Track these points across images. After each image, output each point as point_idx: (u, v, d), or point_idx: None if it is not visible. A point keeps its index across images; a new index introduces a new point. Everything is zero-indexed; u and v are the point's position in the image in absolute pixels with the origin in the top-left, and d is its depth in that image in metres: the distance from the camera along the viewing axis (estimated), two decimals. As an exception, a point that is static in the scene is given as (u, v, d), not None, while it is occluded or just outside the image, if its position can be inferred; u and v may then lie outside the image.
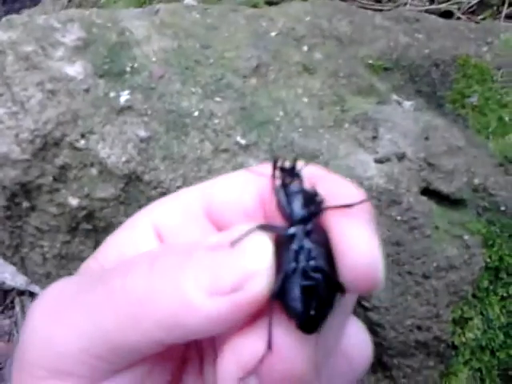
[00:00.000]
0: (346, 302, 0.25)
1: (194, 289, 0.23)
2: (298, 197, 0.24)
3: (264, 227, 0.24)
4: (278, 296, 0.23)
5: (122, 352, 0.24)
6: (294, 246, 0.23)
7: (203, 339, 0.29)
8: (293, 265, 0.23)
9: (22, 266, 0.64)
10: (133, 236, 0.30)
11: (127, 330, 0.24)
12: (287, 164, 0.26)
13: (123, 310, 0.24)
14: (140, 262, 0.25)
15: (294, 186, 0.25)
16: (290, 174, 0.25)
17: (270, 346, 0.23)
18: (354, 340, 0.28)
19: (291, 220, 0.24)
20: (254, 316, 0.24)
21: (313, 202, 0.24)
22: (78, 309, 0.25)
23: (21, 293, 1.16)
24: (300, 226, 0.24)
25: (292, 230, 0.24)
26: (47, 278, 0.58)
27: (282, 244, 0.24)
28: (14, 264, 0.65)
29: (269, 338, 0.23)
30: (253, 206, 0.28)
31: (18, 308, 1.17)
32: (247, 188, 0.28)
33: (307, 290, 0.23)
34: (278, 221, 0.25)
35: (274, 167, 0.26)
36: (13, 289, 1.16)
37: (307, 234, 0.24)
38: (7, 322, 1.17)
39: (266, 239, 0.24)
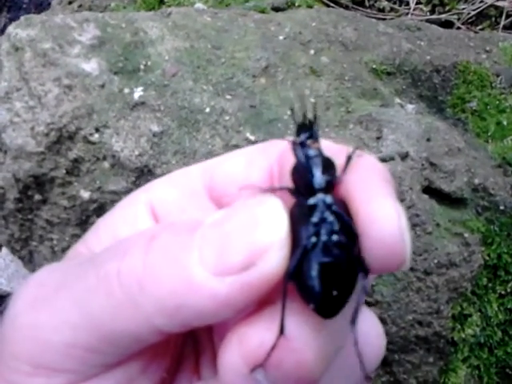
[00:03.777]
0: (362, 285, 0.22)
1: (199, 267, 0.21)
2: (318, 162, 0.22)
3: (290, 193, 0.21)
4: (293, 276, 0.20)
5: (116, 341, 0.22)
6: (315, 219, 0.21)
7: (201, 333, 0.28)
8: (313, 239, 0.20)
9: (30, 261, 0.65)
10: (126, 216, 0.28)
11: (124, 316, 0.22)
12: (307, 120, 0.22)
13: (120, 294, 0.22)
14: (136, 242, 0.23)
15: (314, 150, 0.22)
16: (310, 132, 0.22)
17: (282, 331, 0.21)
18: (365, 332, 0.25)
19: (311, 189, 0.22)
20: (262, 301, 0.22)
21: (331, 170, 0.22)
22: (66, 296, 0.23)
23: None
24: (321, 196, 0.21)
25: (313, 200, 0.21)
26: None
27: (297, 216, 0.21)
28: (22, 258, 0.66)
29: (281, 322, 0.21)
30: (260, 181, 0.25)
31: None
32: (254, 162, 0.26)
33: (328, 268, 0.20)
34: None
35: (298, 125, 0.23)
36: (8, 294, 1.16)
37: (329, 205, 0.21)
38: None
39: (279, 206, 0.21)
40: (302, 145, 0.22)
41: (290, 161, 0.23)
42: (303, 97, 0.51)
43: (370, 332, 0.25)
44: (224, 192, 0.26)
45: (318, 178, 0.21)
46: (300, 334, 0.21)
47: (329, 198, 0.21)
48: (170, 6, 0.93)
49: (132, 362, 0.24)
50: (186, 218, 0.26)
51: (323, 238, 0.21)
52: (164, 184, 0.29)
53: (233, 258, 0.20)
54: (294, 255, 0.21)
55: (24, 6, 1.91)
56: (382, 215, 0.20)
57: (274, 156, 0.26)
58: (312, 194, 0.22)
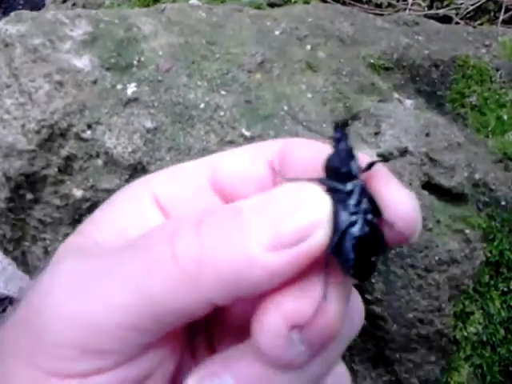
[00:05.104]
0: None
1: (255, 244, 0.24)
2: (353, 153, 0.27)
3: (321, 182, 0.26)
4: (333, 249, 0.25)
5: (166, 318, 0.25)
6: (353, 201, 0.26)
7: (197, 325, 0.30)
8: (353, 218, 0.25)
9: (23, 262, 0.64)
10: (131, 210, 0.30)
11: (181, 292, 0.24)
12: (341, 121, 0.27)
13: (177, 274, 0.24)
14: (182, 228, 0.25)
15: (349, 144, 0.27)
16: (343, 130, 0.27)
17: (325, 297, 0.25)
18: (353, 302, 0.30)
19: (347, 176, 0.26)
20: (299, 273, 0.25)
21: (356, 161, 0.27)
22: (113, 281, 0.25)
23: (14, 302, 1.14)
24: (357, 182, 0.26)
25: (350, 186, 0.26)
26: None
27: (332, 199, 0.25)
28: (15, 259, 0.64)
29: (324, 290, 0.25)
30: (264, 175, 0.28)
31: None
32: (256, 158, 0.29)
33: (362, 240, 0.25)
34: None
35: (339, 125, 0.28)
36: (6, 297, 1.14)
37: (363, 189, 0.26)
38: (-1, 331, 1.14)
39: (320, 189, 0.25)
40: (340, 139, 0.27)
41: (292, 156, 0.28)
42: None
43: (353, 307, 0.30)
44: (230, 185, 0.29)
45: (355, 166, 0.26)
46: (332, 300, 0.25)
47: (363, 184, 0.26)
48: (165, 3, 0.92)
49: (164, 345, 0.27)
50: (194, 209, 0.29)
51: (361, 216, 0.26)
52: (166, 178, 0.31)
53: (286, 235, 0.24)
54: (336, 231, 0.25)
55: (20, 7, 1.90)
56: (404, 198, 0.26)
57: (274, 152, 0.29)
58: (347, 180, 0.26)
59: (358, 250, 0.25)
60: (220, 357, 0.27)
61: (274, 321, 0.24)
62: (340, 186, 0.26)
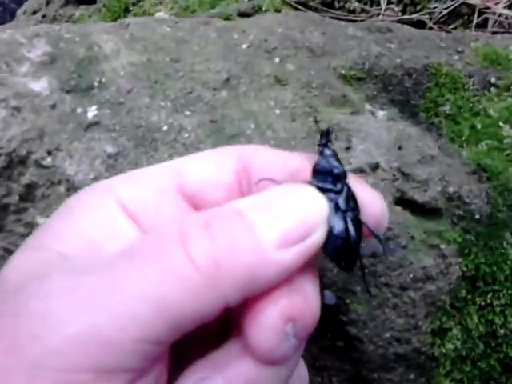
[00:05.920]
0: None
1: (267, 242, 0.25)
2: (337, 158, 0.30)
3: (310, 184, 0.28)
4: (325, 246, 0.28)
5: (182, 326, 0.24)
6: (342, 200, 0.28)
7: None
8: (344, 215, 0.28)
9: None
10: (100, 218, 0.29)
11: (200, 296, 0.24)
12: (325, 130, 0.31)
13: (197, 276, 0.24)
14: (192, 231, 0.25)
15: (332, 150, 0.30)
16: (328, 138, 0.30)
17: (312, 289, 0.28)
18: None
19: (337, 178, 0.29)
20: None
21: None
22: (127, 294, 0.24)
23: None
24: (344, 183, 0.29)
25: (339, 186, 0.29)
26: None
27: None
28: (-16, 286, 0.62)
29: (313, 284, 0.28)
30: (231, 181, 0.30)
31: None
32: (223, 164, 0.31)
33: (350, 235, 0.28)
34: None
35: (323, 133, 0.31)
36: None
37: (349, 188, 0.29)
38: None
39: (316, 190, 0.27)
40: (326, 145, 0.30)
41: (255, 162, 0.30)
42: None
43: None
44: (198, 191, 0.30)
45: (342, 169, 0.29)
46: (314, 294, 0.27)
47: (348, 184, 0.29)
48: (135, 15, 0.90)
49: (166, 355, 0.27)
50: (164, 214, 0.30)
51: (349, 214, 0.28)
52: (130, 184, 0.31)
53: (293, 233, 0.25)
54: (332, 228, 0.28)
55: None
56: (376, 199, 0.31)
57: (237, 160, 0.31)
58: (334, 182, 0.29)
59: (346, 244, 0.28)
60: (208, 361, 0.27)
61: (270, 316, 0.25)
62: (330, 186, 0.29)
